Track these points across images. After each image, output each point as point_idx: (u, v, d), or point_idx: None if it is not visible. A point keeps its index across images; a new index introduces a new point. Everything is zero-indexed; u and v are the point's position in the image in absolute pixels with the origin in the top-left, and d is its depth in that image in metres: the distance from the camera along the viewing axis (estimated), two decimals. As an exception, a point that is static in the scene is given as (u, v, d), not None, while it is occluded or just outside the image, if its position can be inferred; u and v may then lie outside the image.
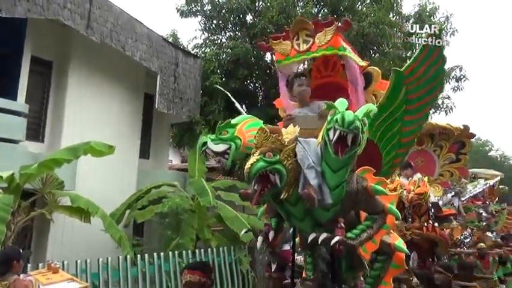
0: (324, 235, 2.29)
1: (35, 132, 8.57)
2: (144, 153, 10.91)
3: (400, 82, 2.77)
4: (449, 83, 11.83)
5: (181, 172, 11.62)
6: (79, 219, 7.02)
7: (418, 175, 5.57)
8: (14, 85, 7.82)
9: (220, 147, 2.61)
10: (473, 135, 5.85)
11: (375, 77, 3.14)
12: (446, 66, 12.16)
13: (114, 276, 6.68)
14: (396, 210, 2.54)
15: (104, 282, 6.65)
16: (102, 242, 7.82)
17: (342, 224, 2.33)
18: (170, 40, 11.64)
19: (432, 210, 5.00)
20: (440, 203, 5.59)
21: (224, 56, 11.65)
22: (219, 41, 12.52)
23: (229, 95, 4.07)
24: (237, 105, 3.56)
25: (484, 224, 8.69)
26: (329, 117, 2.25)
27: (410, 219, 4.79)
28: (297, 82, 2.98)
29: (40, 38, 8.33)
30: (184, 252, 7.93)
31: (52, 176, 6.90)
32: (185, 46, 12.64)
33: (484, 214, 8.79)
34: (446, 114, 11.53)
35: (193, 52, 11.88)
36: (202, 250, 8.59)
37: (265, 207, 2.85)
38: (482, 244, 7.74)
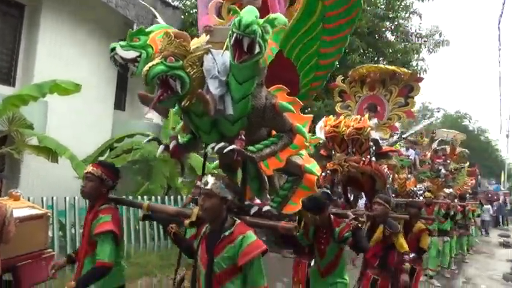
0: (221, 144, 2.23)
1: (6, 76, 8.38)
2: (120, 104, 10.80)
3: None
4: (427, 47, 11.66)
5: (156, 124, 11.58)
6: (46, 158, 7.01)
7: (375, 120, 5.62)
8: (-16, 27, 7.59)
9: (130, 54, 2.44)
10: (421, 79, 5.83)
11: (300, -8, 2.91)
12: (425, 31, 12.02)
13: (81, 215, 6.75)
14: (304, 130, 2.48)
15: (71, 223, 6.76)
16: (75, 187, 7.85)
17: (243, 136, 2.26)
18: (151, -9, 11.24)
19: (374, 148, 4.99)
20: (386, 143, 5.61)
21: (204, 9, 11.28)
22: (200, -7, 12.08)
23: (154, 11, 3.86)
24: (160, 19, 3.28)
25: (442, 180, 8.87)
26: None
27: (353, 156, 4.76)
28: None
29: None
30: (153, 197, 8.03)
31: (19, 116, 6.83)
32: (167, -3, 12.22)
33: (443, 171, 8.93)
34: (420, 75, 11.38)
35: (172, 3, 11.53)
36: (172, 197, 8.73)
37: (182, 124, 2.73)
38: (428, 194, 7.94)
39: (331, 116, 5.10)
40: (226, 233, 2.16)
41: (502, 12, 21.72)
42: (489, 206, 18.02)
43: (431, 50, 11.44)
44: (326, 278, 3.29)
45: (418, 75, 5.74)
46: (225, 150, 2.19)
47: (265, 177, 2.52)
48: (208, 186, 2.18)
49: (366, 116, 5.03)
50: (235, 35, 2.04)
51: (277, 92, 2.47)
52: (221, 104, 2.22)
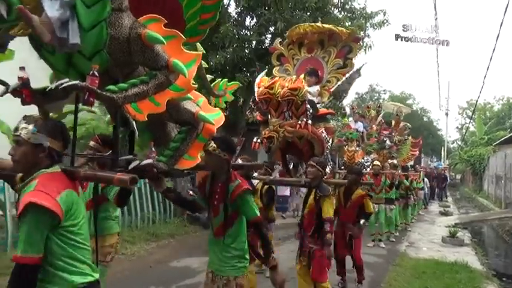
0: (61, 81, 1.70)
1: None
2: (65, 78, 9.85)
3: None
4: (371, 24, 11.34)
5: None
6: (-22, 131, 6.19)
7: (317, 87, 5.17)
8: None
9: None
10: (359, 39, 5.40)
11: None
12: (370, 9, 11.75)
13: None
14: (183, 67, 1.90)
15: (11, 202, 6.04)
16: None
17: (95, 72, 1.73)
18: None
19: (311, 111, 4.53)
20: (323, 105, 5.15)
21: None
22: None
23: None
24: None
25: (386, 151, 8.73)
26: None
27: (290, 119, 4.30)
28: None
29: None
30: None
31: None
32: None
33: (388, 143, 8.79)
34: (366, 52, 11.13)
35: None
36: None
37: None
38: (377, 162, 7.81)
39: (265, 77, 4.53)
40: (26, 188, 1.65)
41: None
42: (426, 179, 18.13)
43: (375, 27, 11.14)
44: (220, 239, 2.71)
45: (356, 35, 5.21)
46: (63, 86, 1.66)
47: (134, 124, 1.98)
48: (18, 132, 1.70)
49: (302, 76, 4.46)
50: None
51: (150, 23, 1.91)
52: (64, 32, 1.65)
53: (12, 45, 1.96)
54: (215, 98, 3.14)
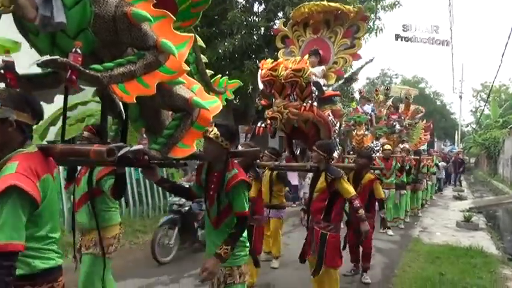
0: (45, 58, 1.58)
1: None
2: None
3: None
4: (382, 6, 10.96)
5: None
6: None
7: (322, 67, 4.96)
8: None
9: None
10: (367, 17, 5.08)
11: None
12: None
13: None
14: (172, 47, 1.78)
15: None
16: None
17: (78, 50, 1.62)
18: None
19: (317, 93, 4.32)
20: (331, 89, 4.92)
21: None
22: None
23: None
24: None
25: (396, 135, 8.46)
26: None
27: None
28: None
29: None
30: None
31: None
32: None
33: (398, 127, 8.51)
34: (376, 35, 10.82)
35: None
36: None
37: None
38: (387, 146, 7.59)
39: (269, 59, 4.32)
40: (4, 169, 1.52)
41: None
42: (443, 163, 17.61)
43: (386, 9, 10.75)
44: (218, 229, 2.52)
45: (364, 14, 4.92)
46: (41, 61, 1.55)
47: (120, 105, 1.87)
48: None
49: (306, 57, 4.26)
50: None
51: (138, 2, 1.79)
52: (47, 10, 1.54)
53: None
54: (215, 94, 3.00)
